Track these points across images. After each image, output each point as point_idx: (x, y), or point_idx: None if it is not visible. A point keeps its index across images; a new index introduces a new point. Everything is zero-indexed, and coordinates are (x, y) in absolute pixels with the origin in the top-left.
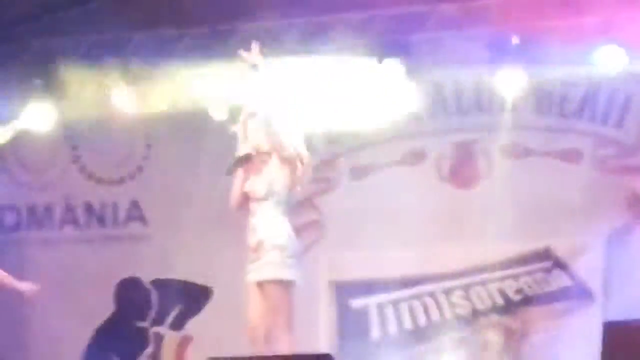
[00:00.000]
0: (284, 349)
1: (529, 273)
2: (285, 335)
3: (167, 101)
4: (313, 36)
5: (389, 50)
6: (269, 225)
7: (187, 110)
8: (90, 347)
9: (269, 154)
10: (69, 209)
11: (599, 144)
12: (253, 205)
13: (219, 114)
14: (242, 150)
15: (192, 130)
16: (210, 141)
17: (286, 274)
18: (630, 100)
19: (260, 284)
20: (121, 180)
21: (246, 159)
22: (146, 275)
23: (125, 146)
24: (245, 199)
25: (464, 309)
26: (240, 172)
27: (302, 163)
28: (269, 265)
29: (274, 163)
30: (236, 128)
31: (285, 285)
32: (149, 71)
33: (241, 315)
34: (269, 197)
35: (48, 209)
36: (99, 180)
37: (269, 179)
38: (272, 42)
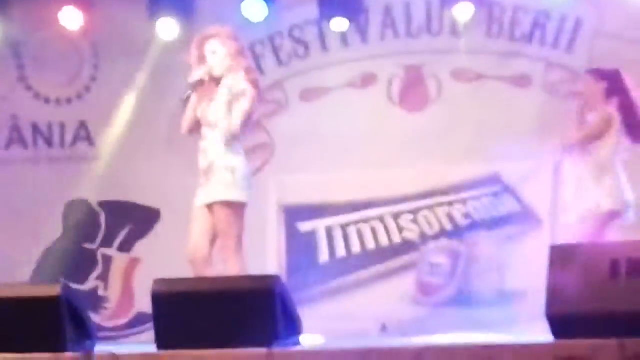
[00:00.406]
0: (234, 271)
1: (477, 197)
2: (234, 258)
3: (115, 20)
4: None
5: None
6: (220, 148)
7: (135, 30)
8: (38, 267)
9: (220, 78)
10: (15, 128)
11: (549, 68)
12: (204, 130)
13: (167, 35)
14: (194, 75)
15: (140, 51)
16: (158, 62)
17: (237, 196)
18: (581, 25)
19: (210, 206)
20: (68, 101)
21: (199, 84)
22: (94, 197)
23: (73, 66)
24: (197, 123)
25: (412, 233)
26: (192, 97)
27: (256, 87)
28: (220, 186)
29: (225, 87)
30: (189, 53)
31: (236, 207)
32: None
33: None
34: (220, 123)
35: None
36: (46, 100)
37: (220, 105)
38: None
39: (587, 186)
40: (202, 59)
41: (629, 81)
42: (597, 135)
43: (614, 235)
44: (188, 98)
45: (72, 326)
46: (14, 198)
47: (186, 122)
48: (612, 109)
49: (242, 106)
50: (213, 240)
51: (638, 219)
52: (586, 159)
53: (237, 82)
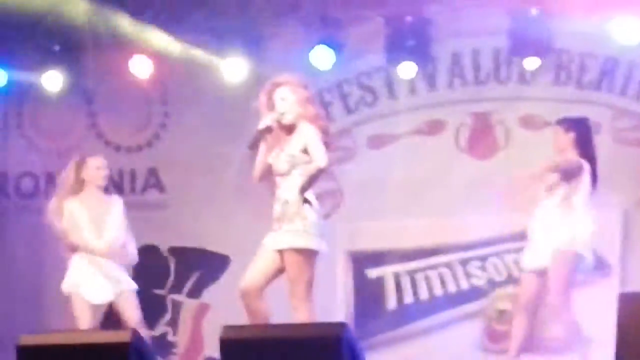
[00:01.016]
0: (303, 318)
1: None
2: (304, 305)
3: (185, 68)
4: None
5: (407, 21)
6: (294, 196)
7: (204, 76)
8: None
9: (292, 125)
10: None
11: (617, 115)
12: (277, 179)
13: (235, 77)
14: (263, 122)
15: (210, 98)
16: (228, 109)
17: (309, 243)
18: None
19: (281, 252)
20: (139, 148)
21: (267, 131)
22: (164, 243)
23: (143, 113)
24: (268, 171)
25: (480, 280)
26: (262, 145)
27: (326, 134)
28: (292, 233)
29: (298, 135)
30: (259, 100)
31: (308, 254)
32: (167, 38)
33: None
34: (292, 171)
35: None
36: (117, 148)
37: (292, 152)
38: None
39: (557, 226)
40: (271, 106)
41: None
42: (567, 171)
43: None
44: (255, 144)
45: None
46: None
47: (257, 170)
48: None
49: (319, 147)
50: (270, 280)
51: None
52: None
53: (308, 130)
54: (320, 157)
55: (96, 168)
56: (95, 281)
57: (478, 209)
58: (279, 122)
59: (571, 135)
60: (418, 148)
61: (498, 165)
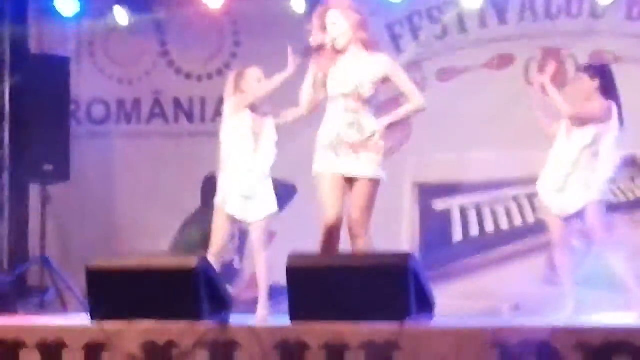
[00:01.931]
0: (366, 246)
1: (614, 180)
2: (366, 235)
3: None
4: None
5: None
6: (375, 125)
7: (275, 7)
8: (177, 240)
9: (344, 50)
10: (157, 103)
11: None
12: (351, 102)
13: (299, 8)
14: (315, 39)
15: (279, 28)
16: (297, 39)
17: (383, 175)
18: None
19: (353, 179)
20: (209, 76)
21: (319, 49)
22: None
23: (214, 42)
24: (318, 101)
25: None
26: (311, 70)
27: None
28: (373, 164)
29: (377, 63)
30: (312, 23)
31: (378, 185)
32: None
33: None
34: (372, 99)
35: (136, 103)
36: (188, 75)
37: (374, 80)
38: None
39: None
40: (323, 29)
41: None
42: (597, 117)
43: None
44: (307, 53)
45: (207, 297)
46: (155, 171)
47: (308, 102)
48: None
49: (414, 86)
50: (354, 212)
51: None
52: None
53: (394, 66)
54: (419, 98)
55: (257, 79)
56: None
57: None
58: (332, 44)
59: (596, 82)
60: (487, 82)
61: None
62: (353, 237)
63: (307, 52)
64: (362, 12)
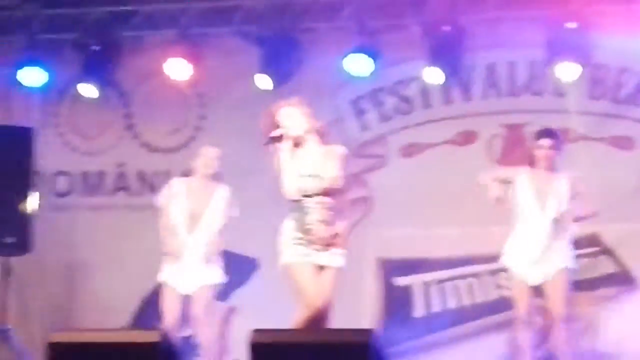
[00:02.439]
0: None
1: (575, 258)
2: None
3: (222, 73)
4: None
5: (444, 30)
6: (342, 222)
7: (241, 83)
8: (137, 316)
9: (300, 139)
10: (122, 175)
11: None
12: (323, 199)
13: (264, 85)
14: (275, 132)
15: (246, 103)
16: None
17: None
18: None
19: (323, 268)
20: (174, 149)
21: (278, 139)
22: None
23: (179, 116)
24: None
25: (509, 291)
26: (285, 157)
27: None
28: (341, 255)
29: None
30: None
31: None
32: (204, 41)
33: (286, 288)
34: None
35: (101, 175)
36: (153, 149)
37: (334, 175)
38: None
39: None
40: (275, 126)
41: None
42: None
43: None
44: (268, 144)
45: None
46: (118, 244)
47: (293, 186)
48: None
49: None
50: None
51: None
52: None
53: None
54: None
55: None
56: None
57: (508, 221)
58: (291, 135)
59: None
60: (450, 158)
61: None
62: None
63: (271, 141)
64: (306, 105)
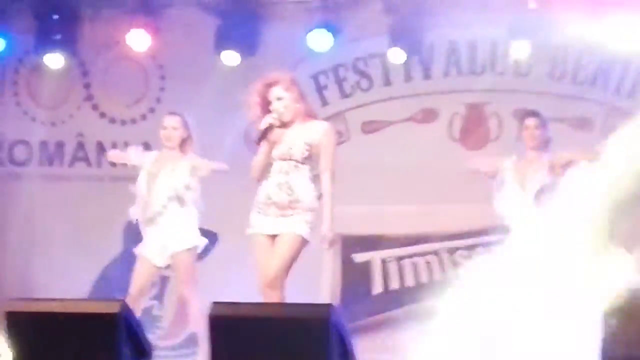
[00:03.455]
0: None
1: None
2: (283, 287)
3: (182, 45)
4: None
5: (405, 8)
6: (307, 187)
7: (201, 56)
8: (96, 285)
9: (288, 122)
10: (81, 146)
11: (611, 113)
12: (285, 164)
13: (231, 61)
14: (265, 122)
15: (204, 76)
16: (223, 90)
17: (307, 232)
18: None
19: (284, 235)
20: (133, 121)
21: (270, 129)
22: None
23: (139, 87)
24: (266, 169)
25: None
26: (264, 144)
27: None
28: (304, 223)
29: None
30: (250, 99)
31: (302, 240)
32: (164, 12)
33: (245, 262)
34: (306, 161)
35: (59, 146)
36: (112, 120)
37: (310, 142)
38: None
39: None
40: (265, 105)
41: None
42: None
43: None
44: (261, 139)
45: (128, 344)
46: (77, 214)
47: (258, 170)
48: None
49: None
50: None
51: None
52: None
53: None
54: (328, 178)
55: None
56: None
57: (467, 199)
58: (279, 120)
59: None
60: (411, 136)
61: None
62: (268, 288)
63: (263, 136)
64: (299, 83)
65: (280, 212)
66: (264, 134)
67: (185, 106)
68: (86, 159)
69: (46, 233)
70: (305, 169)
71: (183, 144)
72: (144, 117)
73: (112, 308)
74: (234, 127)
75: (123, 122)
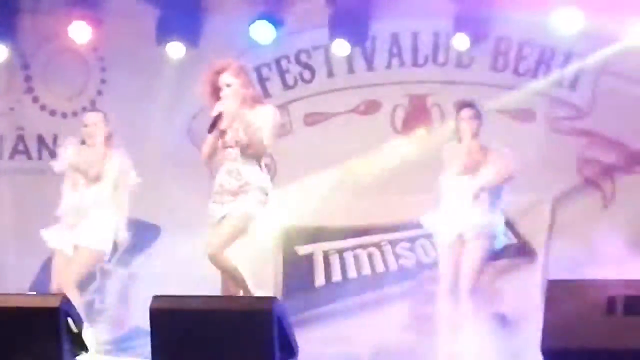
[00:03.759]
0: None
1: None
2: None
3: (123, 37)
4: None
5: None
6: (255, 170)
7: (143, 48)
8: (37, 280)
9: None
10: (21, 139)
11: (553, 104)
12: (232, 152)
13: (175, 54)
14: (216, 109)
15: (147, 68)
16: (165, 81)
17: (254, 211)
18: (585, 62)
19: (235, 217)
20: (74, 114)
21: (219, 117)
22: None
23: (80, 79)
24: (215, 150)
25: (408, 261)
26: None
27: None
28: (257, 205)
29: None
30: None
31: (247, 218)
32: (104, 3)
33: (188, 255)
34: (254, 148)
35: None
36: (52, 112)
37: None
38: None
39: None
40: (215, 92)
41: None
42: None
43: None
44: (212, 128)
45: (69, 338)
46: (17, 207)
47: (208, 148)
48: None
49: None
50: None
51: None
52: None
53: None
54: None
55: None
56: None
57: (409, 190)
58: (229, 106)
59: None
60: (353, 127)
61: (432, 148)
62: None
63: (214, 124)
64: (246, 69)
65: (232, 198)
66: (215, 122)
67: (127, 98)
68: (26, 152)
69: None
70: (252, 154)
71: (107, 140)
72: (85, 109)
73: (52, 302)
74: (178, 119)
75: (64, 115)
